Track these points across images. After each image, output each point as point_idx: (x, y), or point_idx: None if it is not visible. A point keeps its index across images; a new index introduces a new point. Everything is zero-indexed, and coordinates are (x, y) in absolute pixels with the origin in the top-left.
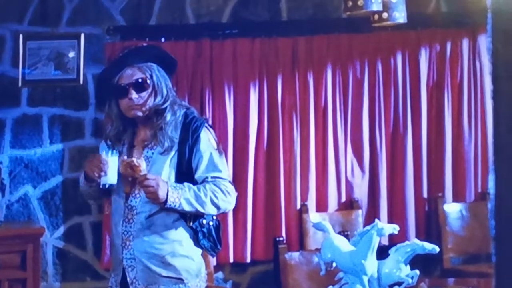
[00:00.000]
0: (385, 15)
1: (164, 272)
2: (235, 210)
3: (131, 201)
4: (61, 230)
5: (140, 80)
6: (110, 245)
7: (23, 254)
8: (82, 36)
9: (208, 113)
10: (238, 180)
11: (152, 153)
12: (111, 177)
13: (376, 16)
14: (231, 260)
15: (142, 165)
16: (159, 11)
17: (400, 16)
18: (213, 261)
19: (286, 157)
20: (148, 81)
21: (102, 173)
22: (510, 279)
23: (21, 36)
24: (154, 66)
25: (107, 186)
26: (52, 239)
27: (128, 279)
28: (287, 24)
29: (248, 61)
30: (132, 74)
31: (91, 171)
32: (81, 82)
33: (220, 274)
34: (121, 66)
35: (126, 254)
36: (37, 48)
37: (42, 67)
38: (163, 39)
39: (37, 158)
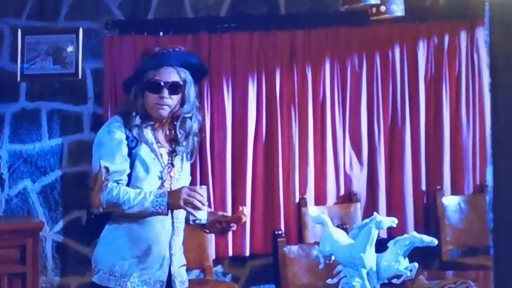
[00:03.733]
0: (383, 8)
1: (184, 261)
2: (234, 204)
3: None
4: (60, 224)
5: (175, 83)
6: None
7: (22, 249)
8: (81, 30)
9: (207, 107)
10: (237, 174)
11: (182, 159)
12: (205, 212)
13: (374, 9)
14: (230, 254)
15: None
16: (157, 5)
17: (398, 9)
18: (212, 254)
19: (284, 151)
20: (182, 86)
21: (203, 208)
22: (509, 271)
23: (19, 30)
24: (188, 72)
25: (200, 222)
26: (51, 234)
27: (172, 275)
28: (285, 17)
29: (247, 55)
30: (170, 74)
31: (190, 204)
32: (80, 76)
33: (219, 268)
34: (160, 63)
35: (171, 250)
36: (36, 42)
37: (40, 61)
38: (161, 33)
39: (36, 152)
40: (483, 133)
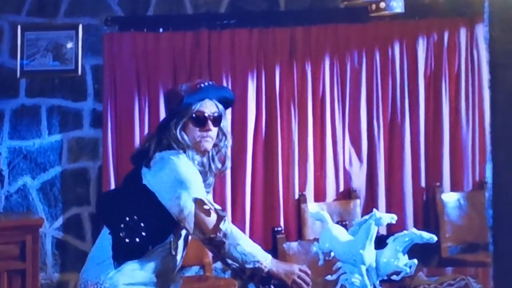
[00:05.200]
0: (382, 4)
1: None
2: (233, 201)
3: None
4: (60, 220)
5: (217, 115)
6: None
7: (22, 245)
8: (80, 26)
9: None
10: (237, 171)
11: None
12: None
13: (374, 6)
14: None
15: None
16: (156, 1)
17: (397, 5)
18: None
19: (284, 147)
20: (222, 118)
21: None
22: (508, 267)
23: (19, 27)
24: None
25: None
26: (51, 230)
27: None
28: (285, 14)
29: (246, 52)
30: (211, 106)
31: (296, 285)
32: (79, 73)
33: (218, 264)
34: (203, 97)
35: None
36: (35, 39)
37: (40, 58)
38: (161, 30)
39: (35, 149)
40: (483, 129)
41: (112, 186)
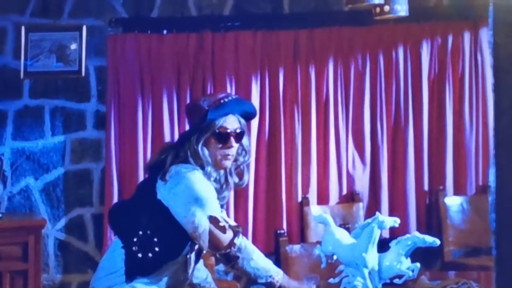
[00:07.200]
0: (386, 8)
1: None
2: (236, 203)
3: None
4: (63, 222)
5: (239, 131)
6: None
7: (24, 246)
8: (84, 28)
9: None
10: None
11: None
12: None
13: (378, 9)
14: None
15: None
16: (161, 3)
17: (401, 9)
18: None
19: (287, 150)
20: (244, 134)
21: None
22: (510, 272)
23: (23, 28)
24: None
25: None
26: (53, 231)
27: None
28: (289, 17)
29: (250, 54)
30: (234, 122)
31: None
32: (83, 74)
33: (220, 266)
34: (226, 112)
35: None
36: (39, 40)
37: (44, 59)
38: (165, 31)
39: (38, 150)
40: (486, 133)
41: (115, 188)
